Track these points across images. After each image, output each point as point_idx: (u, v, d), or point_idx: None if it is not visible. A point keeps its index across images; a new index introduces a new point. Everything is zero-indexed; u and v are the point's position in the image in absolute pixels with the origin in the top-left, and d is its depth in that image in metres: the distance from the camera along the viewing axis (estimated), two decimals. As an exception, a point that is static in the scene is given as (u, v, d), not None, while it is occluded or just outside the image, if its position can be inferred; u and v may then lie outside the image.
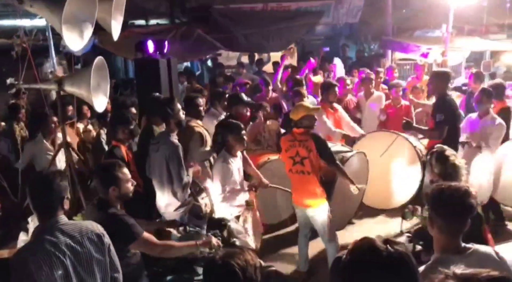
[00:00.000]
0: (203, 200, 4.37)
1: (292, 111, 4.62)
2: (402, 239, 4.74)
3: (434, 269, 2.23)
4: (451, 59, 9.50)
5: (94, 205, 3.04)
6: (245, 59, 11.71)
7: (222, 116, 5.62)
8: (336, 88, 6.05)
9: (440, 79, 5.38)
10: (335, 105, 6.15)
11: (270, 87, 7.65)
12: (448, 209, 2.26)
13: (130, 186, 3.05)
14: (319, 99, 6.64)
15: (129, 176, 3.07)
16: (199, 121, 5.04)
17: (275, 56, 11.36)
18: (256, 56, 11.24)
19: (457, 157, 3.33)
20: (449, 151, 3.34)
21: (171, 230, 3.66)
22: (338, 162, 4.61)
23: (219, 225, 3.44)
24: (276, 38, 10.28)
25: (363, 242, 1.50)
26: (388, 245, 1.45)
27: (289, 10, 10.64)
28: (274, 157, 5.61)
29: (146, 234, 2.94)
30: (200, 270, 3.18)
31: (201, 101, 5.20)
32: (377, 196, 6.10)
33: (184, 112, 4.57)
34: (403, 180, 6.06)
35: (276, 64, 10.75)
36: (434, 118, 5.22)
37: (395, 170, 6.10)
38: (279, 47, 10.81)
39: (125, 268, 2.77)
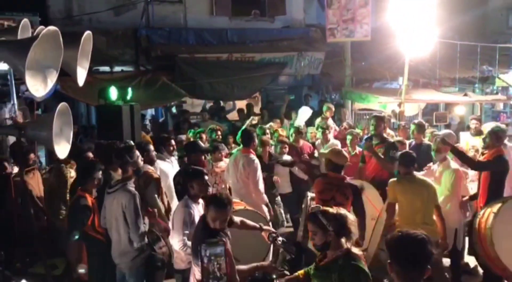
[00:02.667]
0: (160, 250, 4.25)
1: (334, 155, 4.70)
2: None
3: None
4: (408, 110, 9.93)
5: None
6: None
7: (170, 161, 5.78)
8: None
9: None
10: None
11: None
12: (405, 256, 2.26)
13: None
14: None
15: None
16: (151, 167, 5.07)
17: (240, 104, 11.58)
18: (222, 104, 11.41)
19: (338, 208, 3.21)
20: (327, 208, 3.17)
21: None
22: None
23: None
24: (241, 87, 10.50)
25: None
26: None
27: (253, 61, 10.95)
28: (239, 207, 5.28)
29: None
30: None
31: (151, 147, 5.40)
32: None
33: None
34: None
35: (241, 112, 10.93)
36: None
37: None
38: (244, 95, 11.05)
39: None
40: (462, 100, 10.51)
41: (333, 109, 9.42)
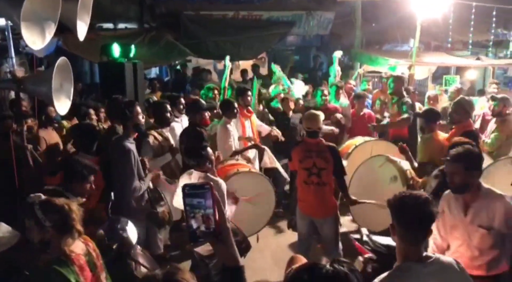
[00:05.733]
0: (161, 208, 4.24)
1: (308, 119, 4.55)
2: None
3: (395, 277, 2.22)
4: (418, 73, 9.70)
5: None
6: (221, 66, 11.68)
7: (179, 120, 5.70)
8: (249, 93, 6.10)
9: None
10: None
11: None
12: (409, 217, 2.26)
13: None
14: None
15: None
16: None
17: (245, 64, 11.37)
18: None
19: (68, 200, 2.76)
20: (50, 198, 2.68)
21: None
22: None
23: None
24: (247, 46, 10.25)
25: (308, 262, 1.54)
26: (333, 264, 1.42)
27: (260, 19, 10.62)
28: (244, 168, 5.20)
29: None
30: None
31: (169, 107, 5.20)
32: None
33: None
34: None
35: (244, 72, 10.74)
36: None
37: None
38: (250, 55, 10.81)
39: None
40: (474, 64, 10.24)
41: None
